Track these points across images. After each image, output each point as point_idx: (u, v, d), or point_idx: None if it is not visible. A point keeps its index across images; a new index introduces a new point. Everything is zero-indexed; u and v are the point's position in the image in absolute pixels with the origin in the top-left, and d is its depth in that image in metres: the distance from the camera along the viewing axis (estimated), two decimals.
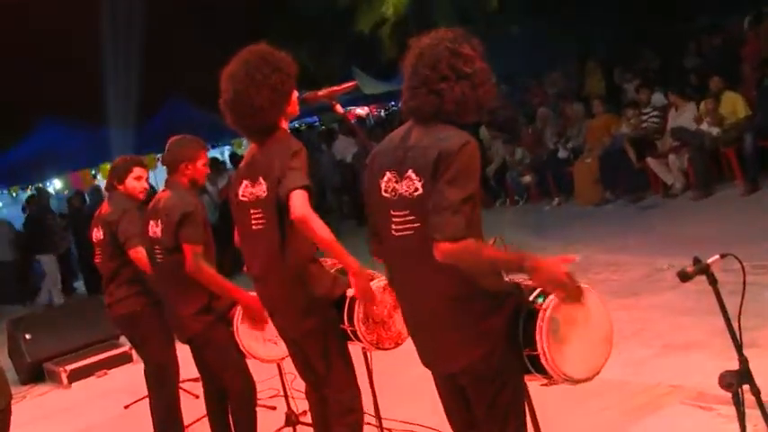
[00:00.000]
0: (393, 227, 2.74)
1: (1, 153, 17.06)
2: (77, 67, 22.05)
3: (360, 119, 21.65)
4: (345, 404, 3.58)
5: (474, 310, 2.63)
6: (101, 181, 17.03)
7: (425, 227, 2.61)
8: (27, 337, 7.77)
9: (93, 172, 17.56)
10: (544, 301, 2.71)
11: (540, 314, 2.67)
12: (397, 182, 2.72)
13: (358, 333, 3.56)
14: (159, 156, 17.10)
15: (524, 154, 12.52)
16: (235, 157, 15.07)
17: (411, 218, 2.68)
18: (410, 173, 2.65)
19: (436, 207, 2.52)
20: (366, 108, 22.95)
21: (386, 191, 2.77)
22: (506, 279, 2.80)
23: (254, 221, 3.53)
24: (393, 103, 23.70)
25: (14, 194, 16.71)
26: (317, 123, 21.68)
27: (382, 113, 23.05)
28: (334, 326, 3.58)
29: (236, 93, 3.43)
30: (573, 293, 2.67)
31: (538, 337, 2.65)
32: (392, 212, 2.74)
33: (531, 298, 2.71)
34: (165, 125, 16.69)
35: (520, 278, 2.77)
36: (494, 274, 2.69)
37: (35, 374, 7.88)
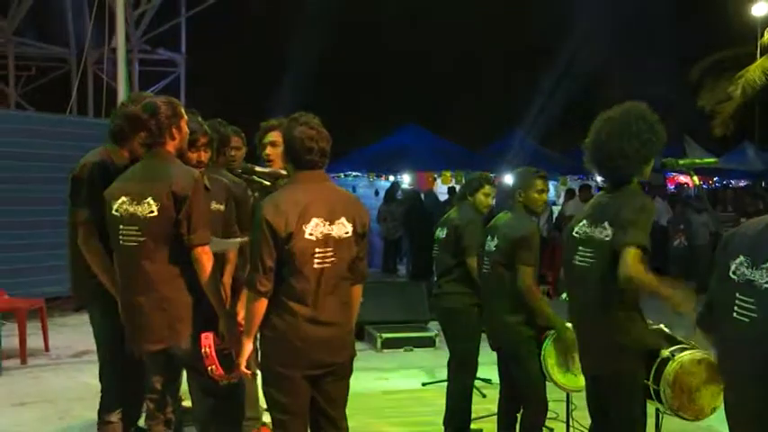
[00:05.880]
0: (736, 309, 2.52)
1: (368, 145, 18.60)
2: (438, 87, 23.49)
3: (682, 186, 20.47)
4: None
5: None
6: (439, 185, 17.79)
7: (764, 322, 2.36)
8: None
9: (435, 176, 18.35)
10: None
11: None
12: (748, 267, 2.49)
13: (661, 394, 3.34)
14: (494, 176, 17.56)
15: None
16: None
17: (753, 307, 2.44)
18: (767, 265, 2.42)
19: None
20: (688, 177, 21.67)
21: (734, 272, 2.54)
22: None
23: (580, 258, 3.46)
24: (717, 178, 22.03)
25: (371, 179, 18.06)
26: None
27: (705, 185, 21.58)
28: (640, 377, 3.39)
29: (608, 135, 3.39)
30: None
31: None
32: (738, 296, 2.51)
33: None
34: (501, 151, 17.08)
35: None
36: None
37: (357, 333, 8.32)
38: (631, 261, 3.14)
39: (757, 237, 2.51)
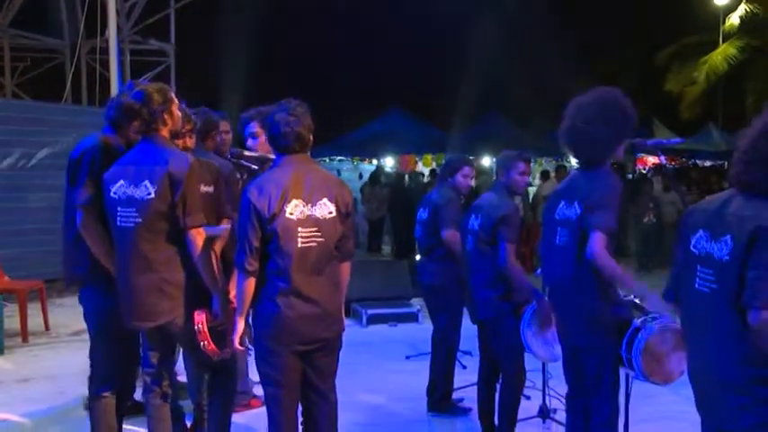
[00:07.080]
0: (697, 281, 2.55)
1: (352, 130, 18.51)
2: (426, 72, 23.39)
3: (653, 167, 20.61)
4: (606, 418, 3.43)
5: (763, 377, 2.37)
6: (421, 167, 17.81)
7: (722, 292, 2.40)
8: None
9: (417, 159, 18.36)
10: None
11: None
12: (708, 241, 2.52)
13: (633, 362, 3.40)
14: (472, 158, 17.54)
15: None
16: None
17: (712, 278, 2.47)
18: (726, 238, 2.43)
19: (759, 276, 2.28)
20: (657, 158, 21.83)
21: (695, 246, 2.57)
22: None
23: (559, 238, 3.48)
24: (685, 158, 22.18)
25: (355, 163, 18.04)
26: None
27: (673, 165, 21.75)
28: (613, 347, 3.45)
29: (582, 120, 3.41)
30: None
31: None
32: (699, 267, 2.55)
33: None
34: (480, 135, 17.06)
35: None
36: None
37: (345, 310, 8.37)
38: (595, 244, 3.22)
39: (716, 211, 2.53)
